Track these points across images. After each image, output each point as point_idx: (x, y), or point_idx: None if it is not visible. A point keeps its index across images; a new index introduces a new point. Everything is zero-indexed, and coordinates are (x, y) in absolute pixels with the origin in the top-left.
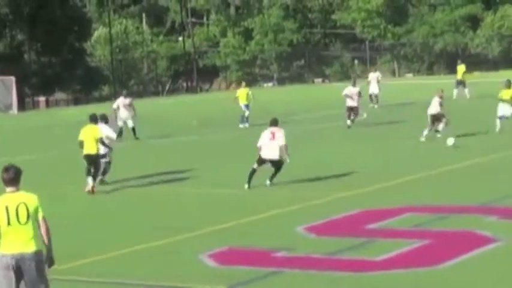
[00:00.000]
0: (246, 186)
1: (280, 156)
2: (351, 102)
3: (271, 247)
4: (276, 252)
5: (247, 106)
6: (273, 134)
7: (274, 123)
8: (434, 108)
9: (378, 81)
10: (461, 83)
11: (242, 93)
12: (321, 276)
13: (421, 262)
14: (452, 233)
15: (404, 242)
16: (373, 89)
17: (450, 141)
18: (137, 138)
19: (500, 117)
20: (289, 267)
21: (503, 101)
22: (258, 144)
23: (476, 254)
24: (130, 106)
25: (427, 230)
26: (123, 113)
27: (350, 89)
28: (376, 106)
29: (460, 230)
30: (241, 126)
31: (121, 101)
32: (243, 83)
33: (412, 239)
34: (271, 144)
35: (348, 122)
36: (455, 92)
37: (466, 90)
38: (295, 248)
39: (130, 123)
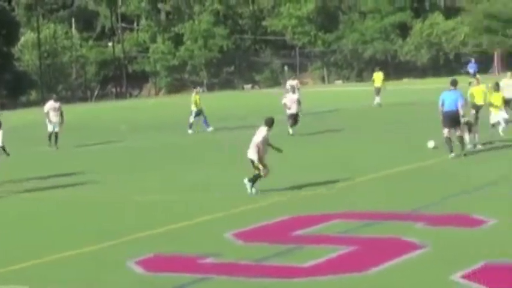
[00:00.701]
0: None
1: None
2: (291, 110)
3: (198, 253)
4: (204, 259)
5: (193, 112)
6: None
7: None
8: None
9: (298, 89)
10: (379, 91)
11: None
12: (248, 282)
13: (348, 268)
14: (380, 240)
15: (333, 248)
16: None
17: (431, 143)
18: (57, 147)
19: (494, 125)
20: (216, 274)
21: (494, 106)
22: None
23: (402, 260)
24: (58, 110)
25: (355, 237)
26: (54, 118)
27: (291, 96)
28: None
29: (387, 236)
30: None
31: (51, 105)
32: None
33: (340, 245)
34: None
35: (290, 130)
36: (377, 99)
37: (378, 98)
38: (223, 254)
39: (57, 129)
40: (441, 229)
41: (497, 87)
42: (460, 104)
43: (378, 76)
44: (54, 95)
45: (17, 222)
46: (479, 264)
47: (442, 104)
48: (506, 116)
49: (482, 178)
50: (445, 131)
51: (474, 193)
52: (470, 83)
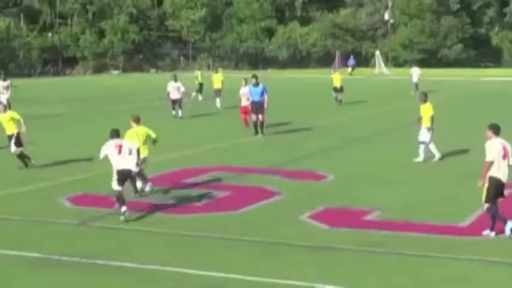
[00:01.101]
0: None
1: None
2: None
3: (111, 193)
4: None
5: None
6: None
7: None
8: None
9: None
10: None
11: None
12: (149, 216)
13: (225, 207)
14: (247, 187)
15: (213, 193)
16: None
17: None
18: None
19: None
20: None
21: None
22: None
23: (264, 203)
24: (8, 88)
25: (229, 185)
26: (2, 95)
27: (173, 84)
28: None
29: (252, 185)
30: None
31: (0, 84)
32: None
33: (218, 191)
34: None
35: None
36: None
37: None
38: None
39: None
40: (293, 181)
41: (425, 98)
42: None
43: (336, 77)
44: (2, 75)
45: None
46: (322, 208)
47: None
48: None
49: (322, 144)
50: (253, 116)
51: (317, 155)
52: (350, 74)
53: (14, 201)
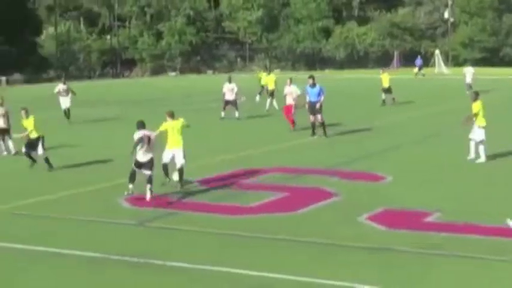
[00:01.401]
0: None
1: None
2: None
3: (168, 193)
4: (175, 198)
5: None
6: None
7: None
8: None
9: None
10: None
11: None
12: (207, 217)
13: (283, 208)
14: (306, 188)
15: (270, 194)
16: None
17: None
18: (69, 121)
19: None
20: (184, 210)
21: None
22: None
23: (322, 204)
24: (68, 92)
25: (287, 186)
26: (63, 97)
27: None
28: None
29: (311, 186)
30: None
31: (61, 87)
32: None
33: (276, 192)
34: None
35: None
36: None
37: (272, 100)
38: (189, 195)
39: (68, 105)
40: (351, 182)
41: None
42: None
43: (270, 78)
44: (63, 78)
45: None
46: (380, 209)
47: None
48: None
49: (381, 145)
50: (311, 117)
51: (376, 156)
52: (416, 74)
53: (74, 202)
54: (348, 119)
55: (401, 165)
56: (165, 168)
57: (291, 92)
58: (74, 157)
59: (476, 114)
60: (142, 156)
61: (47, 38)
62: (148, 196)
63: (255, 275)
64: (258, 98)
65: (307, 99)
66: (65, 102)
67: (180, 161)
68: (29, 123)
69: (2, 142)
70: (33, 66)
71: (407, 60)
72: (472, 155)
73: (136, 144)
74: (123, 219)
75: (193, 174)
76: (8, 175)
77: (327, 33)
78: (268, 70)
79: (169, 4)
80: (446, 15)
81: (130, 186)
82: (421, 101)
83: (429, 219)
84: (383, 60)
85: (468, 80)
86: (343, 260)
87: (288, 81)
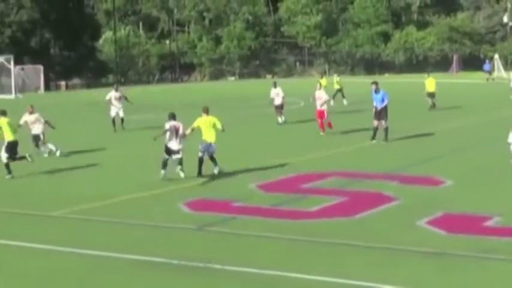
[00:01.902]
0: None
1: None
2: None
3: (230, 199)
4: (234, 203)
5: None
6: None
7: None
8: None
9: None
10: (339, 91)
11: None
12: (266, 221)
13: (340, 213)
14: (365, 193)
15: (330, 198)
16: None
17: None
18: (124, 128)
19: None
20: (242, 214)
21: None
22: None
23: (381, 209)
24: (120, 99)
25: (346, 190)
26: (115, 105)
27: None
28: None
29: (370, 190)
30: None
31: (112, 94)
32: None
33: (336, 196)
34: None
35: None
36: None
37: (344, 100)
38: (249, 200)
39: (121, 114)
40: (410, 187)
41: None
42: None
43: (430, 81)
44: (115, 85)
45: (92, 171)
46: (440, 214)
47: None
48: None
49: (440, 149)
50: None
51: (435, 160)
52: (487, 79)
53: (136, 206)
54: (407, 123)
55: (461, 169)
56: (200, 160)
57: (320, 97)
58: (131, 161)
59: None
60: (173, 144)
61: (106, 43)
62: (182, 175)
63: (313, 279)
64: (345, 101)
65: (374, 104)
66: (115, 110)
67: (210, 153)
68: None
69: (37, 148)
70: (92, 71)
71: (466, 64)
72: None
73: (164, 132)
74: (182, 223)
75: (253, 178)
76: (59, 179)
77: (386, 37)
78: (321, 74)
79: (228, 9)
80: (505, 19)
81: (162, 172)
82: (481, 106)
83: (489, 223)
84: (442, 65)
85: None
86: (402, 265)
87: (318, 85)
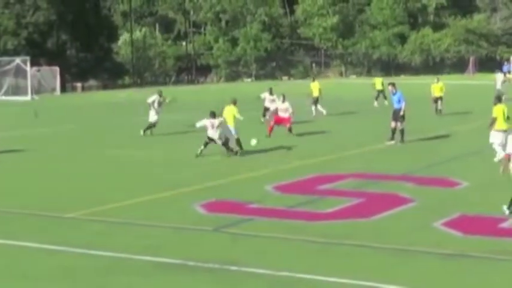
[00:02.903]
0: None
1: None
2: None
3: (246, 200)
4: (250, 204)
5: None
6: None
7: None
8: None
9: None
10: (381, 92)
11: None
12: (282, 223)
13: (357, 214)
14: (381, 194)
15: (346, 200)
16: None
17: (253, 141)
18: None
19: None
20: (258, 216)
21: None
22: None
23: (397, 210)
24: (161, 104)
25: (363, 191)
26: (157, 110)
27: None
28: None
29: (386, 192)
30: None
31: (156, 98)
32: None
33: (352, 198)
34: None
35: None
36: (316, 107)
37: (319, 106)
38: (265, 201)
39: (156, 118)
40: (427, 188)
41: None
42: None
43: (314, 85)
44: (160, 91)
45: (100, 174)
46: (456, 215)
47: None
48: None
49: (456, 151)
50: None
51: (451, 162)
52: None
53: (152, 207)
54: (422, 124)
55: (477, 171)
56: (237, 141)
57: (286, 109)
58: (148, 163)
59: (495, 118)
60: (211, 133)
61: (123, 44)
62: (227, 152)
63: (330, 280)
64: (376, 103)
65: (394, 106)
66: (154, 114)
67: (229, 134)
68: None
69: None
70: (108, 73)
71: (483, 66)
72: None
73: (200, 126)
74: (198, 225)
75: (270, 179)
76: (76, 180)
77: (402, 39)
78: (313, 77)
79: (245, 10)
80: None
81: (202, 147)
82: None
83: (504, 224)
84: (458, 66)
85: (498, 85)
86: (418, 266)
87: (282, 97)
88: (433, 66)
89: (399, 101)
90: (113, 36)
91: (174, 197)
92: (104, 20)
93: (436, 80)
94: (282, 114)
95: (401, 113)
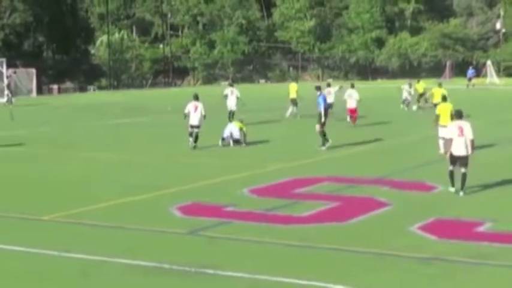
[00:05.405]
0: (452, 189)
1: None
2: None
3: (223, 203)
4: (226, 207)
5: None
6: (461, 129)
7: (459, 115)
8: None
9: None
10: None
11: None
12: (258, 226)
13: (333, 218)
14: (357, 198)
15: (322, 203)
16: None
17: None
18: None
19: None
20: (235, 219)
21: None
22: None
23: (373, 214)
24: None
25: (338, 195)
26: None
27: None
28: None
29: (362, 196)
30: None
31: (229, 90)
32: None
33: (328, 201)
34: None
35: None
36: (290, 109)
37: (295, 108)
38: (241, 204)
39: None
40: (402, 192)
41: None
42: None
43: (293, 87)
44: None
45: (78, 176)
46: (431, 219)
47: None
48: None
49: (432, 155)
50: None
51: (427, 166)
52: (467, 85)
53: (129, 210)
54: (398, 128)
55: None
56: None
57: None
58: (123, 165)
59: (438, 115)
60: (192, 118)
61: (100, 47)
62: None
63: (306, 284)
64: (415, 107)
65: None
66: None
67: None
68: None
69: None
70: (85, 75)
71: (460, 70)
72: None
73: (187, 112)
74: (174, 228)
75: (246, 183)
76: (51, 183)
77: (379, 43)
78: (295, 79)
79: (222, 13)
80: (498, 26)
81: (190, 139)
82: (472, 112)
83: (480, 229)
84: (436, 70)
85: (405, 95)
86: (393, 270)
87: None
88: (410, 71)
89: (319, 105)
90: (90, 39)
91: (151, 199)
92: (81, 22)
93: (417, 81)
94: None
95: (322, 118)
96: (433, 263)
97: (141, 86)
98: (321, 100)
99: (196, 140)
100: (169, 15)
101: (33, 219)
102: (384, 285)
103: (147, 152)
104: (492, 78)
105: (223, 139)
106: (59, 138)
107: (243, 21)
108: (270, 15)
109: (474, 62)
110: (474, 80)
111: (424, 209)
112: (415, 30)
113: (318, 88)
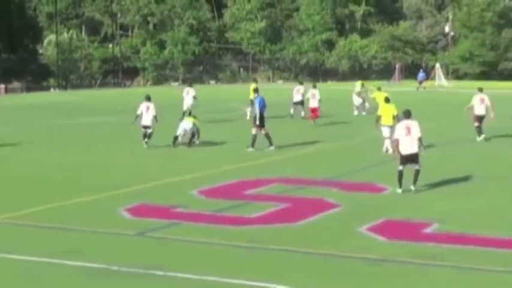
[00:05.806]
0: (399, 190)
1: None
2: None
3: (171, 204)
4: (175, 209)
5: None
6: (408, 129)
7: (408, 115)
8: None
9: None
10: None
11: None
12: (208, 227)
13: (283, 219)
14: (307, 199)
15: (272, 205)
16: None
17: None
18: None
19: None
20: (184, 220)
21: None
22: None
23: (323, 215)
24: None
25: (288, 196)
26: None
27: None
28: None
29: (312, 197)
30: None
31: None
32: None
33: (278, 203)
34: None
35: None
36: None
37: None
38: (190, 206)
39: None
40: (352, 193)
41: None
42: None
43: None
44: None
45: (27, 176)
46: (380, 220)
47: None
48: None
49: (381, 156)
50: None
51: (376, 167)
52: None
53: (77, 211)
54: (347, 130)
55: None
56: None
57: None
58: (71, 166)
59: (379, 116)
60: (145, 119)
61: (48, 46)
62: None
63: (255, 285)
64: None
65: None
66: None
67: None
68: None
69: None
70: (32, 75)
71: (409, 73)
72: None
73: (139, 113)
74: (122, 229)
75: (195, 184)
76: (5, 182)
77: (330, 45)
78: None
79: (173, 14)
80: (447, 29)
81: (146, 140)
82: (422, 114)
83: (428, 230)
84: (386, 72)
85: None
86: (342, 271)
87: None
88: (360, 73)
89: (256, 107)
90: (38, 38)
91: (99, 200)
92: (29, 21)
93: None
94: None
95: (257, 121)
96: (382, 264)
97: (90, 86)
98: (257, 102)
99: (149, 138)
100: (119, 15)
101: None
102: (333, 286)
103: (97, 153)
104: (441, 81)
105: (176, 138)
106: (9, 139)
107: (194, 22)
108: (220, 16)
109: (423, 65)
110: (425, 83)
111: (373, 210)
112: (365, 33)
113: (256, 90)
